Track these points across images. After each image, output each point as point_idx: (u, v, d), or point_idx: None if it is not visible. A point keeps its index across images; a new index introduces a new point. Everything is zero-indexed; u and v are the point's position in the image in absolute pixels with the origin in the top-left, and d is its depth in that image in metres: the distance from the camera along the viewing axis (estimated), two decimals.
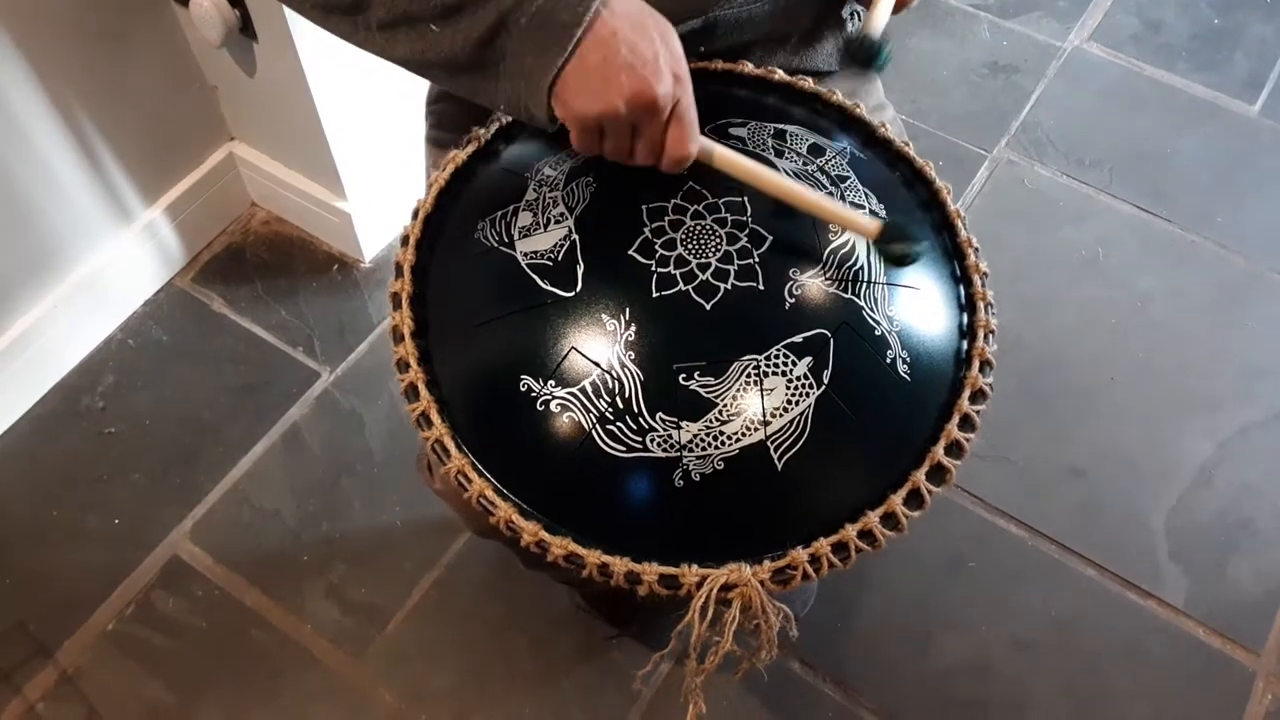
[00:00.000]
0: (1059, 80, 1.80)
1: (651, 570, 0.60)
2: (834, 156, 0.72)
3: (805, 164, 0.70)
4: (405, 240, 0.70)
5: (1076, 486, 1.37)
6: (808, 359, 0.62)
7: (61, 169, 1.27)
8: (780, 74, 0.78)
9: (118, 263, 1.41)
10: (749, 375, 0.61)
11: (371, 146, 1.42)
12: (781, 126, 0.73)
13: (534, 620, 1.25)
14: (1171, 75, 1.81)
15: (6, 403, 1.37)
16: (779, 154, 0.70)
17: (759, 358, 0.61)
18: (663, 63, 0.58)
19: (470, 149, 0.74)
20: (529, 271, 0.65)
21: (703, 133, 0.71)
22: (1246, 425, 1.42)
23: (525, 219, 0.67)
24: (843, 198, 0.69)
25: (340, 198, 1.45)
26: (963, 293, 0.71)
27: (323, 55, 1.24)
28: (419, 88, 0.99)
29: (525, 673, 1.22)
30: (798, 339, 0.62)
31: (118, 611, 1.25)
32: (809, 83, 0.78)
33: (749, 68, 0.78)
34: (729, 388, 0.61)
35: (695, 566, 0.60)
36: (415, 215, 0.72)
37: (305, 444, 1.38)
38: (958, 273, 0.72)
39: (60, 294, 1.36)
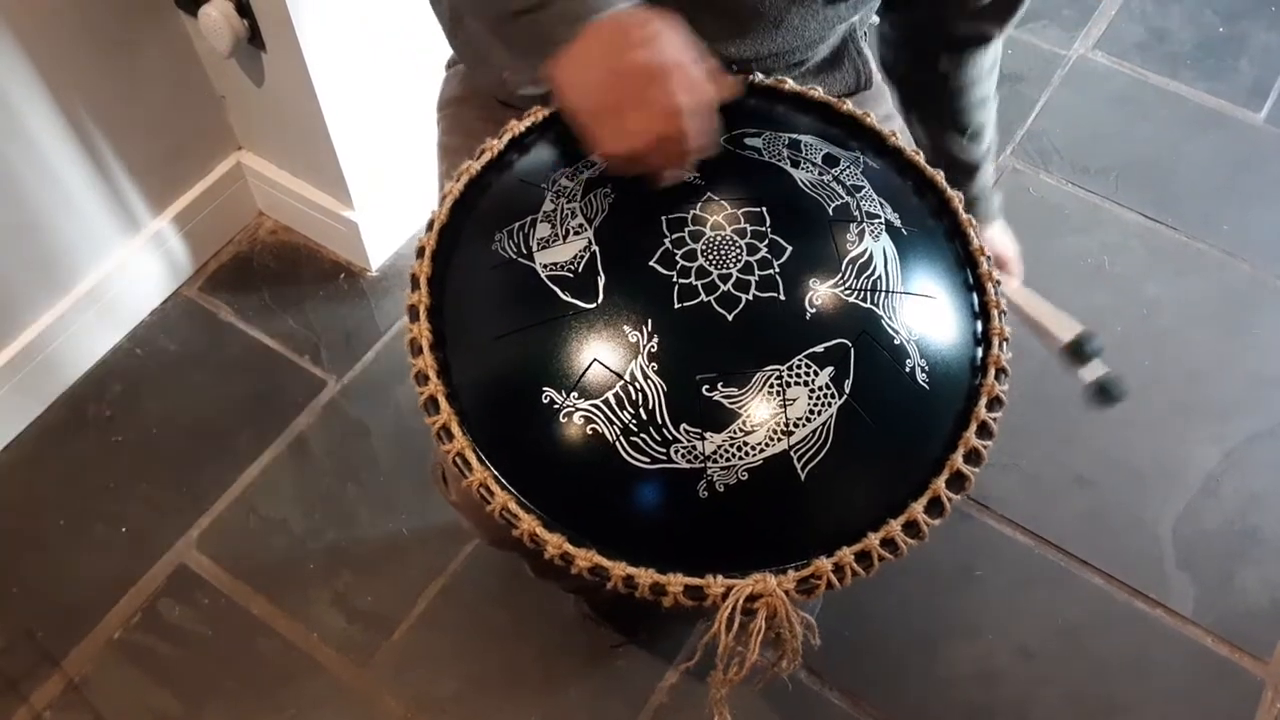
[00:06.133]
0: (1064, 89, 1.80)
1: (677, 581, 0.59)
2: (848, 166, 0.72)
3: (821, 174, 0.70)
4: (421, 252, 0.70)
5: (1083, 495, 1.36)
6: (829, 369, 0.62)
7: (70, 178, 1.28)
8: (790, 83, 0.78)
9: (125, 272, 1.42)
10: (772, 386, 0.61)
11: (378, 156, 1.43)
12: (796, 136, 0.73)
13: (540, 628, 1.25)
14: (1177, 83, 1.81)
15: (15, 411, 1.37)
16: (794, 164, 0.70)
17: (781, 368, 0.61)
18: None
19: (484, 160, 0.74)
20: (549, 283, 0.64)
21: (718, 143, 0.70)
22: (1253, 434, 1.41)
23: (544, 230, 0.67)
24: (859, 207, 0.69)
25: (347, 207, 1.45)
26: (976, 300, 0.71)
27: (331, 65, 1.24)
28: (426, 97, 0.99)
29: (531, 681, 1.22)
30: (819, 349, 0.62)
31: (124, 620, 1.25)
32: (819, 92, 0.78)
33: (759, 77, 0.78)
34: (752, 398, 0.61)
35: (720, 577, 0.60)
36: (430, 227, 0.71)
37: (312, 453, 1.38)
38: (971, 280, 0.72)
39: (68, 303, 1.36)
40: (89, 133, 1.27)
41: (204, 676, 1.22)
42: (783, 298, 0.63)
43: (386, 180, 1.47)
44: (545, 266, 0.65)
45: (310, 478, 1.36)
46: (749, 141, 0.71)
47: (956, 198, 0.74)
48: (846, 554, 0.60)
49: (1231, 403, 1.45)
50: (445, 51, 0.94)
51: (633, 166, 0.63)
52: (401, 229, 1.56)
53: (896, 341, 0.64)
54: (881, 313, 0.65)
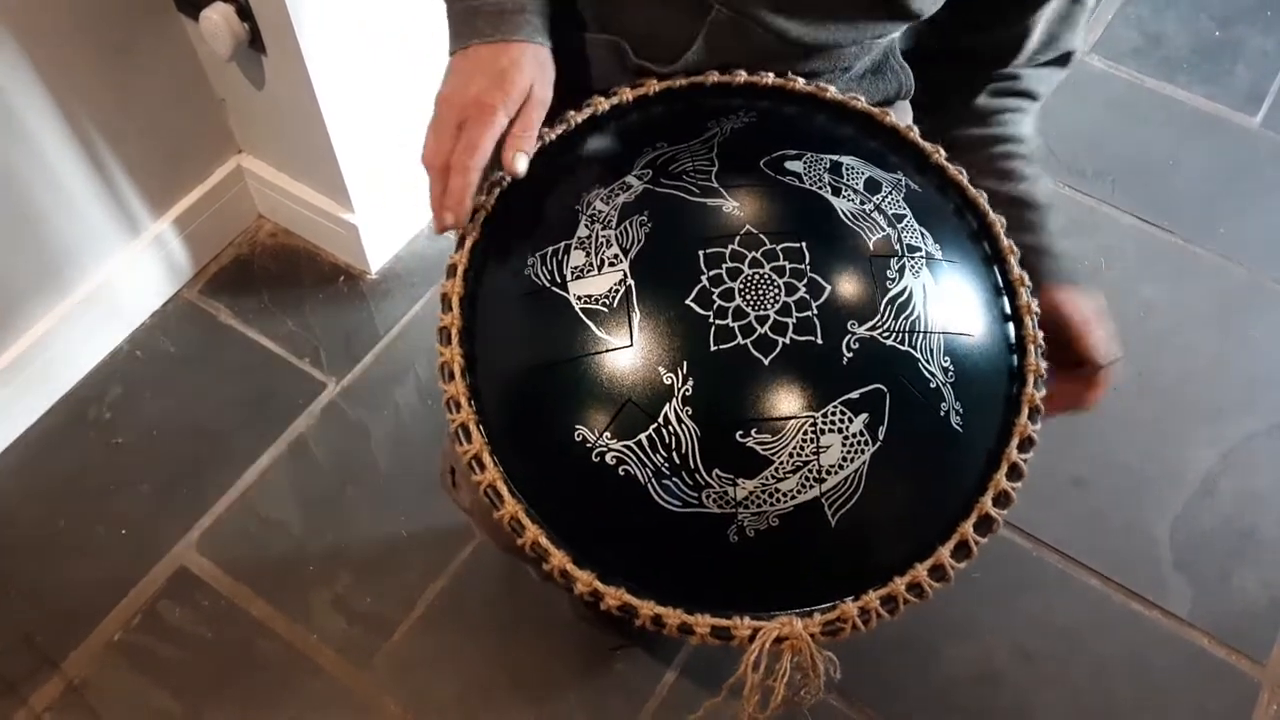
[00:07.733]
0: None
1: (704, 623, 0.60)
2: (890, 192, 0.69)
3: (862, 203, 0.68)
4: (452, 270, 0.68)
5: (1080, 496, 1.37)
6: (864, 415, 0.61)
7: (70, 181, 1.28)
8: (833, 91, 0.75)
9: (126, 275, 1.42)
10: (806, 433, 0.60)
11: (378, 159, 1.43)
12: (837, 159, 0.70)
13: (539, 630, 1.25)
14: (1173, 88, 1.82)
15: (15, 414, 1.37)
16: (836, 191, 0.68)
17: (816, 415, 0.60)
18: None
19: None
20: (583, 317, 0.63)
21: (758, 168, 0.69)
22: (1250, 434, 1.42)
23: (578, 258, 0.65)
24: (900, 239, 0.67)
25: (347, 210, 1.46)
26: (1013, 333, 0.69)
27: (331, 69, 1.25)
28: (426, 99, 0.99)
29: (530, 683, 1.22)
30: (854, 395, 0.61)
31: (124, 622, 1.25)
32: (862, 102, 0.76)
33: (800, 83, 0.75)
34: (785, 446, 0.60)
35: (747, 619, 0.60)
36: (461, 244, 0.70)
37: (311, 455, 1.38)
38: (1008, 310, 0.70)
39: (69, 306, 1.37)
40: (89, 136, 1.27)
41: (204, 678, 1.22)
42: (820, 341, 0.62)
43: (386, 183, 1.47)
44: (579, 299, 0.64)
45: (310, 480, 1.36)
46: (789, 166, 0.69)
47: (999, 222, 0.72)
48: (872, 598, 0.61)
49: (1228, 404, 1.45)
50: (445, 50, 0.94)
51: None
52: (401, 232, 1.56)
53: (932, 385, 0.63)
54: (918, 355, 0.63)
